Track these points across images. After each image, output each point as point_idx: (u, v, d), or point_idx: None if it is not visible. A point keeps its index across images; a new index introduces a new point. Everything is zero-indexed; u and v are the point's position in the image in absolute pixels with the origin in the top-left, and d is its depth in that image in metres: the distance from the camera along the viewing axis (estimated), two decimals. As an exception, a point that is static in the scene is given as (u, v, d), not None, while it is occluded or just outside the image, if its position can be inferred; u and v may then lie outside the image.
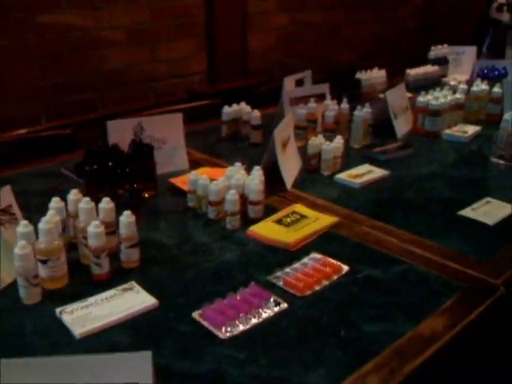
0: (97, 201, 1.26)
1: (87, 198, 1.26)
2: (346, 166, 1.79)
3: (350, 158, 1.87)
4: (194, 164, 1.82)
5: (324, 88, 2.12)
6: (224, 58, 3.50)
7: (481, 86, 2.29)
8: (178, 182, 1.63)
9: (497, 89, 2.26)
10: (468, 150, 2.00)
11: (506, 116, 1.85)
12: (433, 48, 2.89)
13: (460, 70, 2.91)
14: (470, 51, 2.95)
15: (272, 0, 3.68)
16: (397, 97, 2.12)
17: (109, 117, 2.96)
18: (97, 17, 2.96)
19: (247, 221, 1.45)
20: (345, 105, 2.01)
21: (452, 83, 2.38)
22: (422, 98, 2.10)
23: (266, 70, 3.76)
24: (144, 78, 3.16)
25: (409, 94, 2.36)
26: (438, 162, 1.89)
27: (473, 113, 2.28)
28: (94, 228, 1.19)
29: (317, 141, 1.74)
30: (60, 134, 2.38)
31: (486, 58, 2.92)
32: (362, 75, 2.56)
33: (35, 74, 2.79)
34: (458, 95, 2.16)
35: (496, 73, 2.53)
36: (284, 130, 1.66)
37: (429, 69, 2.82)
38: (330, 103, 2.01)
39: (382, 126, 2.09)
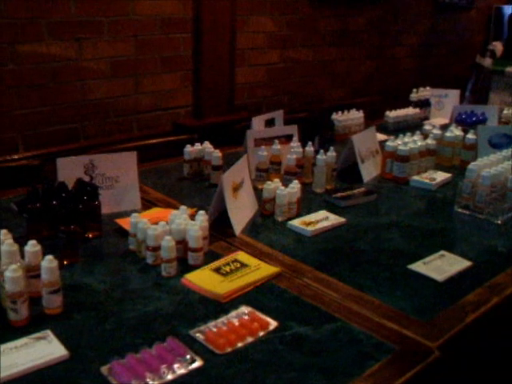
0: (40, 240, 1.22)
1: (10, 241, 1.21)
2: (304, 211, 1.74)
3: (310, 203, 1.82)
4: (149, 204, 1.77)
5: (292, 129, 2.09)
6: (210, 92, 3.48)
7: (455, 132, 2.24)
8: (124, 222, 1.58)
9: (471, 135, 2.22)
10: (434, 198, 1.96)
11: (471, 166, 1.80)
12: (414, 90, 2.86)
13: (442, 113, 2.88)
14: (453, 95, 2.93)
15: (262, 36, 3.67)
16: (365, 140, 2.08)
17: (88, 148, 2.95)
18: (80, 47, 2.96)
19: (187, 267, 1.40)
20: (309, 148, 1.96)
21: (427, 128, 2.33)
22: (390, 143, 2.05)
23: (254, 105, 3.74)
24: (127, 110, 3.14)
25: (383, 137, 2.33)
26: (400, 210, 1.84)
27: (446, 159, 2.24)
28: (12, 272, 1.14)
29: (272, 185, 1.69)
30: (28, 164, 2.35)
31: (469, 103, 2.88)
32: (337, 116, 2.52)
33: (14, 103, 2.77)
34: (429, 141, 2.12)
35: (474, 118, 2.48)
36: (236, 174, 1.61)
37: (410, 111, 2.78)
38: (294, 145, 1.96)
39: (348, 171, 2.04)
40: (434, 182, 2.00)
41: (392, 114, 2.71)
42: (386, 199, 1.92)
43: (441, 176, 2.07)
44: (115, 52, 3.08)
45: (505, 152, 1.97)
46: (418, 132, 2.15)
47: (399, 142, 2.04)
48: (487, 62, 2.85)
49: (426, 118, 2.86)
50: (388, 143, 2.06)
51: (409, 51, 4.73)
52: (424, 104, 2.87)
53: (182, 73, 3.33)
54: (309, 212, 1.75)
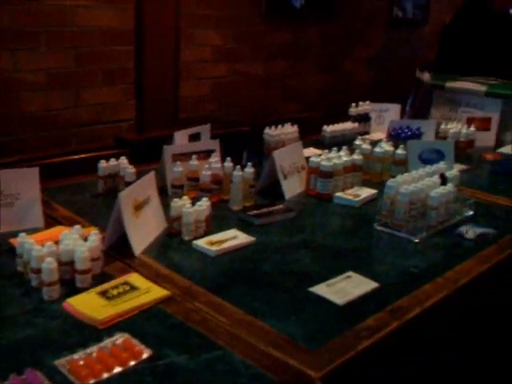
0: None
1: None
2: (217, 229, 1.67)
3: (223, 221, 1.75)
4: (54, 222, 1.68)
5: (214, 144, 2.02)
6: (154, 106, 3.40)
7: (384, 147, 2.20)
8: (16, 242, 1.48)
9: (400, 150, 2.17)
10: (357, 215, 1.91)
11: (389, 182, 1.75)
12: (353, 105, 2.81)
13: (382, 127, 2.84)
14: (394, 109, 2.90)
15: (208, 49, 3.61)
16: (289, 156, 2.03)
17: (25, 161, 2.84)
18: (14, 58, 2.86)
19: (74, 290, 1.31)
20: (228, 163, 1.90)
21: (357, 142, 2.28)
22: (314, 158, 2.00)
23: (200, 119, 3.66)
24: (66, 123, 3.04)
25: (318, 152, 2.28)
26: (317, 229, 1.79)
27: (376, 175, 2.19)
28: None
29: (179, 202, 1.62)
30: None
31: (409, 117, 2.85)
32: (270, 131, 2.47)
33: None
34: (355, 156, 2.07)
35: (409, 133, 2.44)
36: (139, 191, 1.53)
37: (347, 126, 2.74)
38: (212, 161, 1.89)
39: (271, 187, 1.99)
40: (358, 199, 1.95)
41: (329, 129, 2.67)
42: (305, 217, 1.87)
43: (366, 192, 2.02)
44: (53, 63, 2.99)
45: (428, 168, 1.92)
46: (344, 147, 2.09)
47: (323, 158, 1.98)
48: (426, 76, 2.82)
49: (366, 133, 2.82)
50: (312, 159, 2.01)
51: (362, 65, 4.71)
52: (364, 118, 2.83)
53: (124, 86, 3.25)
54: (221, 230, 1.67)
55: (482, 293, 1.58)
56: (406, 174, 1.86)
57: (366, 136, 2.77)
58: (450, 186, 1.84)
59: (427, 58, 5.20)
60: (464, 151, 2.67)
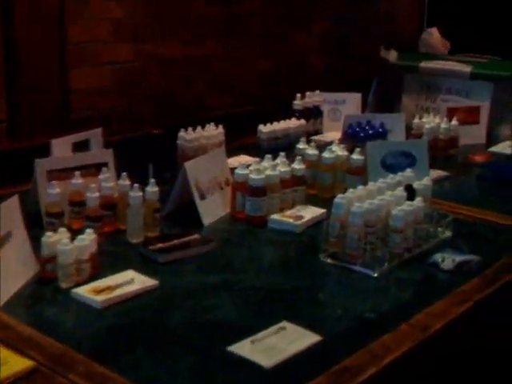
0: None
1: None
2: (108, 271, 1.66)
3: (118, 260, 1.76)
4: None
5: (106, 156, 2.01)
6: (33, 103, 3.36)
7: (336, 152, 2.24)
8: None
9: (357, 155, 2.21)
10: (298, 243, 1.94)
11: (338, 198, 1.78)
12: (298, 96, 2.85)
13: (338, 125, 2.88)
14: (353, 100, 2.95)
15: (106, 25, 3.58)
16: (207, 168, 2.05)
17: None
18: None
19: None
20: (124, 181, 1.89)
21: (300, 146, 2.31)
22: (240, 170, 2.01)
23: (98, 120, 3.64)
24: None
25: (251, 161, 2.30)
26: (244, 264, 1.81)
27: (326, 188, 2.23)
28: None
29: (54, 237, 1.60)
30: None
31: (373, 109, 2.90)
32: (185, 134, 2.47)
33: None
34: (296, 165, 2.09)
35: (370, 132, 2.49)
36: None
37: (292, 124, 2.77)
38: (101, 178, 1.89)
39: (185, 210, 1.99)
40: (299, 222, 1.98)
41: (266, 129, 2.69)
42: (229, 249, 1.89)
43: (312, 213, 2.05)
44: None
45: (390, 178, 1.96)
46: (282, 154, 2.11)
47: (252, 169, 2.00)
48: (392, 55, 2.89)
49: (317, 133, 2.86)
50: (237, 171, 2.03)
51: (317, 44, 4.76)
52: (313, 114, 2.87)
53: (-11, 78, 3.20)
54: (115, 272, 1.66)
55: (461, 338, 1.62)
56: (360, 186, 1.88)
57: (317, 137, 2.81)
58: (418, 201, 1.87)
59: (405, 32, 5.32)
60: (445, 152, 2.74)
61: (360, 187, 1.89)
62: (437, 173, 2.51)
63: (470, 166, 2.69)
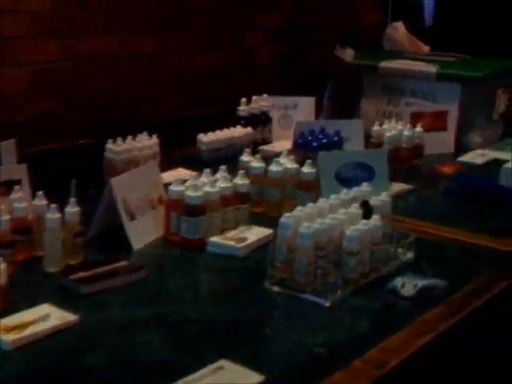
0: None
1: None
2: (19, 305, 1.65)
3: (33, 292, 1.74)
4: None
5: (19, 172, 1.99)
6: None
7: (285, 164, 2.25)
8: None
9: (308, 168, 2.22)
10: (241, 269, 1.95)
11: (284, 218, 1.79)
12: (243, 100, 2.86)
13: (289, 133, 2.89)
14: (306, 105, 2.96)
15: (24, 17, 3.54)
16: (138, 184, 2.04)
17: None
18: None
19: None
20: (40, 201, 1.88)
21: (245, 159, 2.32)
22: (175, 187, 2.01)
23: (16, 129, 3.60)
24: None
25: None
26: (178, 294, 1.81)
27: (273, 205, 2.23)
28: None
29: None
30: None
31: (328, 115, 2.92)
32: (113, 146, 2.46)
33: None
34: (238, 180, 2.10)
35: (324, 140, 2.51)
36: None
37: (236, 132, 2.78)
38: (14, 197, 1.87)
39: (111, 233, 2.00)
40: (242, 245, 1.99)
41: (207, 138, 2.69)
42: (162, 277, 1.89)
43: (257, 234, 2.06)
44: None
45: (344, 194, 1.98)
46: (223, 167, 2.12)
47: (189, 185, 2.00)
48: (348, 54, 2.92)
49: (266, 142, 2.87)
50: (172, 187, 2.02)
51: (268, 38, 4.79)
52: (261, 120, 2.88)
53: None
54: (28, 307, 1.65)
55: (421, 373, 1.63)
56: (309, 204, 1.90)
57: (265, 146, 2.82)
58: (376, 219, 1.89)
59: (366, 25, 5.38)
60: (408, 163, 2.77)
61: (310, 204, 1.89)
62: (399, 186, 2.54)
63: (436, 178, 2.72)
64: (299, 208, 1.88)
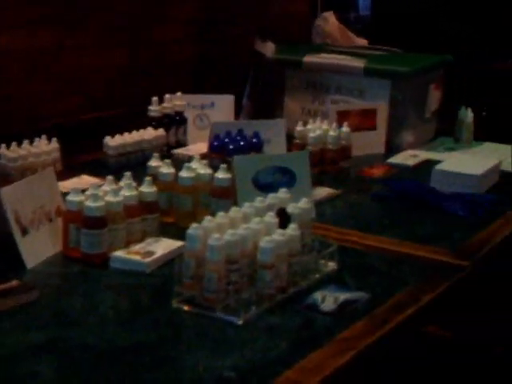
0: None
1: None
2: None
3: None
4: None
5: None
6: None
7: (197, 170, 2.25)
8: None
9: (223, 173, 2.21)
10: (146, 287, 1.93)
11: (191, 230, 1.78)
12: (154, 99, 2.84)
13: (207, 134, 2.87)
14: (224, 103, 2.95)
15: None
16: (31, 194, 2.02)
17: None
18: None
19: None
20: None
21: (153, 164, 2.30)
22: (73, 197, 1.99)
23: None
24: None
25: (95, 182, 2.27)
26: (75, 317, 1.77)
27: (185, 214, 2.23)
28: None
29: None
30: None
31: (249, 114, 2.92)
32: (7, 152, 2.43)
33: None
34: (144, 188, 2.09)
35: (241, 143, 2.50)
36: None
37: (147, 135, 2.75)
38: None
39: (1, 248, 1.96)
40: (149, 260, 1.97)
41: (115, 142, 2.66)
42: (59, 297, 1.86)
43: (166, 247, 2.05)
44: None
45: (259, 201, 1.97)
46: (127, 174, 2.10)
47: (89, 194, 1.98)
48: (269, 48, 2.92)
49: (181, 145, 2.85)
50: (69, 197, 2.00)
51: (182, 33, 4.76)
52: (175, 121, 2.86)
53: None
54: None
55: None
56: (220, 213, 1.88)
57: (179, 150, 2.81)
58: (293, 229, 1.89)
59: (294, 16, 5.40)
60: (335, 165, 2.78)
61: (220, 214, 1.89)
62: (324, 191, 2.56)
63: (364, 182, 2.74)
64: (208, 218, 1.86)
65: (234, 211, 1.94)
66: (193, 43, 4.68)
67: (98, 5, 3.86)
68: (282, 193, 2.08)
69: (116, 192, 2.04)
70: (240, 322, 1.75)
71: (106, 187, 2.07)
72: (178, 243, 2.08)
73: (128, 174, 2.13)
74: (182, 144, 2.89)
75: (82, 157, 2.74)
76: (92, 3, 3.84)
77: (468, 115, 3.18)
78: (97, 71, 4.05)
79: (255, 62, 2.97)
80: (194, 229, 1.81)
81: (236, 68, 3.97)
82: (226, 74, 4.13)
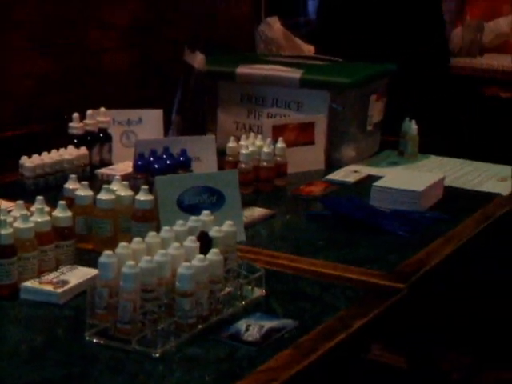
0: None
1: None
2: None
3: None
4: None
5: None
6: None
7: (118, 192, 2.26)
8: None
9: (144, 196, 2.23)
10: (58, 319, 1.94)
11: (103, 258, 1.81)
12: (75, 115, 2.85)
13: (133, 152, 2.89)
14: (152, 119, 2.97)
15: None
16: None
17: None
18: None
19: None
20: None
21: (70, 187, 2.32)
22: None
23: None
24: None
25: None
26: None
27: (105, 241, 2.26)
28: None
29: None
30: None
31: (179, 131, 2.94)
32: None
33: None
34: (58, 213, 2.09)
35: (167, 162, 2.52)
36: None
37: (68, 154, 2.76)
38: None
39: None
40: (61, 290, 1.98)
41: (32, 163, 2.67)
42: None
43: (81, 276, 2.07)
44: None
45: (179, 225, 2.00)
46: (40, 198, 2.11)
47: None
48: (199, 60, 2.94)
49: (105, 164, 2.87)
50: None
51: (116, 39, 4.76)
52: (98, 139, 2.87)
53: None
54: None
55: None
56: (136, 239, 1.91)
57: (103, 170, 2.81)
58: (215, 254, 1.91)
59: (236, 19, 5.42)
60: (269, 184, 2.80)
61: (136, 239, 1.91)
62: (257, 212, 2.57)
63: (301, 201, 2.76)
64: (123, 244, 1.88)
65: (150, 236, 1.96)
66: (127, 51, 4.69)
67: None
68: (205, 215, 2.10)
69: (26, 218, 2.04)
70: (157, 355, 1.76)
71: (16, 213, 2.07)
72: (95, 271, 2.08)
73: (40, 198, 2.14)
74: (106, 163, 2.89)
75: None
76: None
77: (412, 127, 3.21)
78: (12, 82, 4.04)
79: (184, 73, 2.98)
80: (106, 256, 1.83)
81: (171, 79, 3.99)
82: (161, 86, 4.15)
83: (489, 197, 2.85)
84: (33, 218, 2.06)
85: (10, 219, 2.02)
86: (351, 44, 3.81)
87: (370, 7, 4.20)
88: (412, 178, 2.83)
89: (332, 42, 4.08)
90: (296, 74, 3.11)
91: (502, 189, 2.91)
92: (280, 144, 2.87)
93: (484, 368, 2.99)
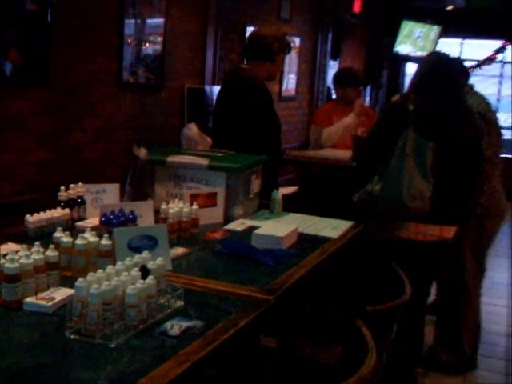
0: None
1: None
2: None
3: None
4: None
5: None
6: None
7: (88, 239, 2.23)
8: None
9: (105, 241, 2.22)
10: (49, 323, 1.90)
11: (78, 282, 1.78)
12: (62, 188, 2.83)
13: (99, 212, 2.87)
14: (112, 189, 2.96)
15: None
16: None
17: None
18: None
19: None
20: None
21: (57, 235, 2.29)
22: (-5, 260, 1.95)
23: None
24: None
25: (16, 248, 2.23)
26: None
27: (80, 270, 2.21)
28: None
29: None
30: None
31: (130, 197, 2.93)
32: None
33: None
34: (49, 252, 2.07)
35: (121, 218, 2.51)
36: None
37: (56, 213, 2.73)
38: None
39: None
40: (51, 304, 1.94)
41: (33, 219, 2.63)
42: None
43: (64, 294, 2.03)
44: None
45: (128, 260, 2.00)
46: (37, 243, 2.08)
47: (8, 258, 1.95)
48: (142, 152, 2.96)
49: (81, 219, 2.84)
50: (-8, 261, 1.95)
51: (93, 137, 4.77)
52: (77, 203, 2.85)
53: None
54: None
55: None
56: (99, 271, 1.90)
57: (81, 223, 2.79)
58: (151, 279, 1.92)
59: (168, 126, 5.48)
60: (188, 232, 2.82)
61: (99, 271, 1.90)
62: (179, 250, 2.58)
63: (208, 243, 2.76)
64: (91, 274, 1.87)
65: (109, 269, 1.95)
66: (103, 143, 4.68)
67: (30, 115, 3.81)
68: (145, 254, 2.11)
69: (28, 256, 2.02)
70: (113, 345, 1.76)
71: (21, 252, 2.05)
72: (72, 291, 2.06)
73: (37, 243, 2.10)
74: (82, 218, 2.86)
75: (10, 229, 2.66)
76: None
77: (278, 195, 3.28)
78: (28, 163, 4.00)
79: (133, 161, 2.99)
80: (80, 282, 1.82)
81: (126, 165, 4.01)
82: (119, 168, 4.18)
83: (326, 239, 2.89)
84: (32, 256, 2.03)
85: (17, 257, 1.99)
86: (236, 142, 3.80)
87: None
88: (278, 227, 2.87)
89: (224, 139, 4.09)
90: (205, 161, 3.14)
91: (334, 234, 2.97)
92: (194, 206, 2.90)
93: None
